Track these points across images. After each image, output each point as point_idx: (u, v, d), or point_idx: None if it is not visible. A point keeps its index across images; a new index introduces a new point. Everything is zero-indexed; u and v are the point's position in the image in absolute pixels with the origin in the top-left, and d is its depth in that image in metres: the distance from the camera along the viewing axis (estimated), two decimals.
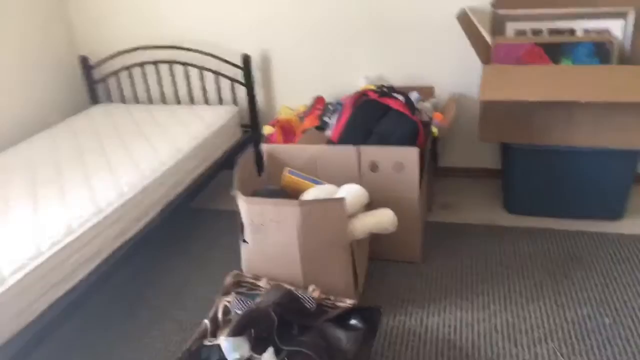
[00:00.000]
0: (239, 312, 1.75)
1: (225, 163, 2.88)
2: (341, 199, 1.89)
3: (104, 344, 2.06)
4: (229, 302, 1.82)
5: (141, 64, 3.28)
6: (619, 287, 2.14)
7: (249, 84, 3.14)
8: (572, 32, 2.58)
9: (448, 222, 2.69)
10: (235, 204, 2.02)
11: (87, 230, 1.96)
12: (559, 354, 1.83)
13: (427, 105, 2.79)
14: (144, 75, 3.34)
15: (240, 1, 3.07)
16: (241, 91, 3.20)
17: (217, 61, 3.14)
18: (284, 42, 3.11)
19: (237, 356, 1.56)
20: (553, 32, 2.60)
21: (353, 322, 1.78)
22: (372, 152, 2.23)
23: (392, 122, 2.34)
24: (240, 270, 2.06)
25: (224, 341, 1.60)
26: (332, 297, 1.89)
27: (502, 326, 1.99)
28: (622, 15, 2.49)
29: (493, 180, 3.02)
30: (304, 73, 3.15)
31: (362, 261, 2.17)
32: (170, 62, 3.23)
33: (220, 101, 3.28)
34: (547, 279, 2.22)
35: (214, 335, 1.76)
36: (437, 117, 2.66)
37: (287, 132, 2.80)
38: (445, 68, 2.92)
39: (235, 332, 1.62)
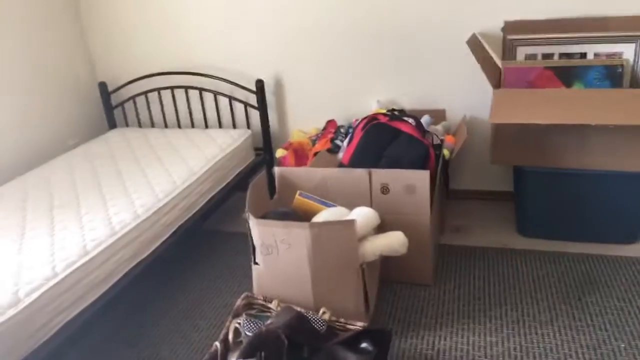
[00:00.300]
0: (249, 333, 1.75)
1: (238, 185, 2.92)
2: (352, 221, 1.91)
3: None
4: (239, 323, 1.83)
5: (157, 89, 3.36)
6: (635, 311, 2.11)
7: (262, 108, 3.20)
8: (583, 55, 2.60)
9: (460, 245, 2.68)
10: (246, 226, 2.04)
11: (101, 252, 1.99)
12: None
13: (438, 128, 2.81)
14: (160, 100, 3.41)
15: (254, 27, 3.14)
16: (255, 115, 3.26)
17: (231, 86, 3.21)
18: (297, 67, 3.17)
19: None
20: (564, 56, 2.62)
21: (364, 345, 1.77)
22: (383, 175, 2.25)
23: (402, 145, 2.36)
24: (251, 292, 2.07)
25: None
26: (342, 320, 1.88)
27: (515, 350, 1.96)
28: (633, 39, 2.50)
29: (506, 202, 3.01)
30: (317, 97, 3.19)
31: (373, 283, 2.17)
32: (186, 87, 3.30)
33: (234, 125, 3.34)
34: (561, 303, 2.19)
35: (225, 357, 1.77)
36: (449, 139, 2.67)
37: (300, 155, 2.84)
38: (457, 91, 2.95)
39: (245, 355, 1.62)
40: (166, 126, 3.49)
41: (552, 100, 2.38)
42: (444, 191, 2.93)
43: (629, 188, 2.45)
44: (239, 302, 1.98)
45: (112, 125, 3.55)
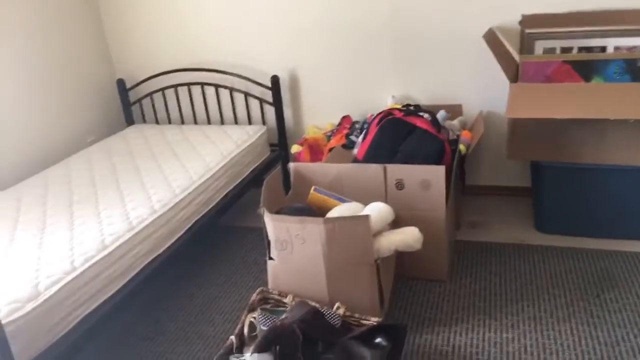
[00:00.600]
0: (265, 328, 1.77)
1: (254, 181, 2.94)
2: (366, 217, 1.91)
3: (132, 358, 2.10)
4: (254, 318, 1.85)
5: (174, 86, 3.39)
6: None
7: (277, 104, 3.20)
8: (603, 49, 2.55)
9: (477, 240, 2.66)
10: (261, 222, 2.05)
11: (119, 246, 2.02)
12: None
13: (454, 123, 2.79)
14: (177, 96, 3.44)
15: (269, 24, 3.15)
16: (270, 111, 3.27)
17: (246, 82, 3.22)
18: (312, 63, 3.17)
19: None
20: (583, 50, 2.58)
21: (378, 340, 1.77)
22: (398, 171, 2.24)
23: (417, 141, 2.35)
24: (266, 286, 2.09)
25: (249, 357, 1.62)
26: (357, 315, 1.89)
27: (531, 347, 1.95)
28: None
29: (523, 198, 2.98)
30: (332, 92, 3.19)
31: (388, 279, 2.16)
32: (202, 84, 3.33)
33: (250, 121, 3.36)
34: (578, 300, 2.17)
35: (240, 351, 1.78)
36: (465, 135, 2.65)
37: (315, 150, 2.84)
38: (473, 86, 2.92)
39: (261, 349, 1.64)
40: (183, 122, 3.52)
41: (570, 94, 2.35)
42: (460, 187, 2.91)
43: None
44: (254, 296, 1.99)
45: (130, 121, 3.59)
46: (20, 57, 2.91)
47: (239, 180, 2.87)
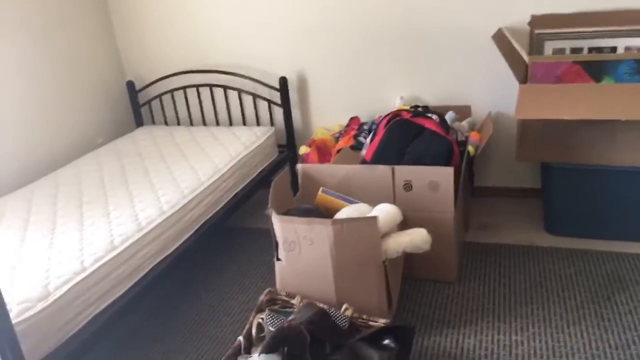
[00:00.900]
0: (273, 329, 1.77)
1: (262, 182, 2.94)
2: (374, 218, 1.90)
3: (140, 358, 2.11)
4: (262, 319, 1.85)
5: (183, 88, 3.41)
6: None
7: (285, 105, 3.21)
8: (613, 50, 2.53)
9: (486, 242, 2.64)
10: (269, 223, 2.05)
11: (128, 247, 2.03)
12: None
13: (463, 124, 2.78)
14: (186, 98, 3.46)
15: (278, 26, 3.15)
16: (278, 112, 3.28)
17: (254, 84, 3.23)
18: (320, 64, 3.17)
19: None
20: (594, 50, 2.56)
21: (386, 341, 1.76)
22: (407, 172, 2.23)
23: (425, 142, 2.34)
24: (274, 287, 2.09)
25: (257, 358, 1.62)
26: (365, 316, 1.88)
27: (541, 350, 1.93)
28: None
29: (533, 200, 2.96)
30: (340, 94, 3.19)
31: (396, 280, 2.16)
32: (211, 85, 3.34)
33: (258, 122, 3.36)
34: (589, 302, 2.15)
35: (248, 351, 1.79)
36: (474, 136, 2.64)
37: (323, 152, 2.84)
38: (482, 87, 2.91)
39: (269, 349, 1.63)
40: (192, 124, 3.53)
41: (580, 95, 2.33)
42: (469, 188, 2.90)
43: None
44: (262, 297, 1.99)
45: (139, 123, 3.61)
46: (29, 59, 2.94)
47: (247, 182, 2.87)
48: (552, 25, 2.60)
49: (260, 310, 1.94)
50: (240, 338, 1.81)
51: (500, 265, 2.44)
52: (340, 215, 2.08)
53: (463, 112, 2.90)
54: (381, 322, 1.85)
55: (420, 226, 2.07)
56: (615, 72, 2.41)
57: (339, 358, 1.66)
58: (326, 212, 2.14)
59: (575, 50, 2.59)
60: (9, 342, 1.52)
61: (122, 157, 2.95)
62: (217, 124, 3.47)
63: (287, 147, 3.30)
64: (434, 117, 2.52)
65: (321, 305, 1.89)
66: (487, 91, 2.90)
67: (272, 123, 3.33)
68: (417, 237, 2.02)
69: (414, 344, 1.92)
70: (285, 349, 1.64)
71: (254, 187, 2.90)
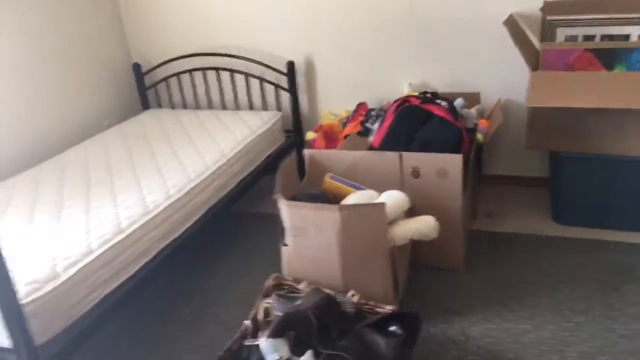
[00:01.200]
0: (279, 313, 1.77)
1: (268, 167, 2.93)
2: (381, 204, 1.89)
3: (147, 342, 2.12)
4: (269, 303, 1.85)
5: (190, 71, 3.39)
6: None
7: (292, 90, 3.19)
8: (626, 38, 2.50)
9: (493, 231, 2.63)
10: (276, 208, 2.04)
11: (135, 230, 2.03)
12: None
13: (472, 111, 2.75)
14: (193, 81, 3.44)
15: (285, 9, 3.12)
16: (285, 97, 3.25)
17: (262, 68, 3.20)
18: (328, 49, 3.14)
19: (277, 357, 1.58)
20: (606, 38, 2.52)
21: (392, 328, 1.76)
22: (415, 159, 2.22)
23: (434, 128, 2.32)
24: (281, 272, 2.09)
25: (263, 342, 1.62)
26: (371, 303, 1.88)
27: (548, 338, 1.93)
28: None
29: (541, 189, 2.94)
30: (348, 79, 3.17)
31: (403, 267, 2.15)
32: (217, 69, 3.31)
33: (265, 107, 3.34)
34: (597, 292, 2.14)
35: (255, 335, 1.79)
36: (483, 123, 2.62)
37: (330, 137, 2.82)
38: (491, 74, 2.87)
39: (275, 334, 1.64)
40: (198, 107, 3.52)
41: (592, 83, 2.30)
42: (477, 176, 2.88)
43: None
44: (269, 282, 1.99)
45: (146, 106, 3.59)
46: (36, 41, 2.92)
47: (254, 167, 2.86)
48: (565, 12, 2.56)
49: (267, 294, 1.94)
50: (247, 322, 1.82)
51: (507, 254, 2.44)
52: (347, 201, 2.07)
53: (472, 99, 2.87)
54: (388, 308, 1.84)
55: (428, 213, 2.06)
56: (627, 61, 2.38)
57: (346, 344, 1.66)
58: (333, 198, 2.13)
59: (588, 38, 2.55)
60: (17, 322, 1.53)
61: (129, 140, 2.94)
62: (224, 107, 3.45)
63: (294, 132, 3.28)
64: (443, 103, 2.50)
65: (328, 290, 1.89)
66: (497, 78, 2.87)
67: (279, 108, 3.30)
68: (424, 225, 2.02)
69: (420, 331, 1.92)
70: (292, 333, 1.64)
71: (261, 172, 2.89)
